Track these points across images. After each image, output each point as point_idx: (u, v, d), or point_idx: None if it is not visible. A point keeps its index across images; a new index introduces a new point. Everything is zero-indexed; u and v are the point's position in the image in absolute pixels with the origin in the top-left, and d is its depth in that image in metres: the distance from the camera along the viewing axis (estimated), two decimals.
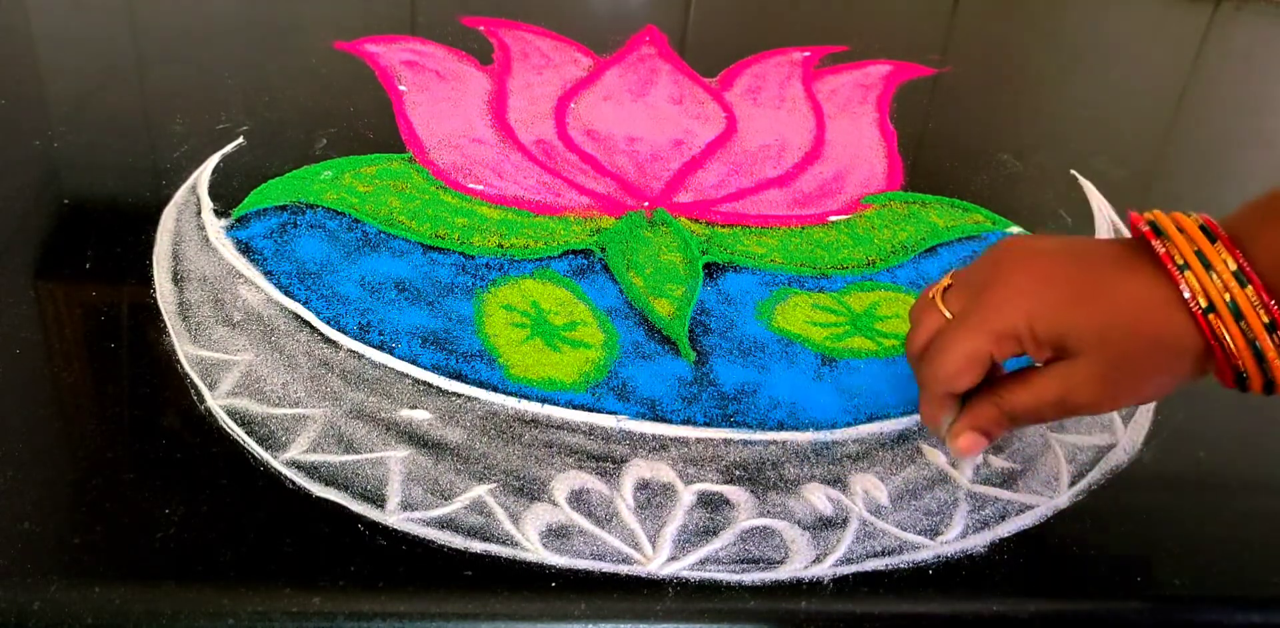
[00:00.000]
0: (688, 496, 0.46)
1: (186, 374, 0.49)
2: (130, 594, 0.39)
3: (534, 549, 0.43)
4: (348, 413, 0.48)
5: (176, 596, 0.39)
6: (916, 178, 0.69)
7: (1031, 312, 0.41)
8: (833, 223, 0.64)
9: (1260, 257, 0.39)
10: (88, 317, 0.51)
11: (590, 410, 0.49)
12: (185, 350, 0.50)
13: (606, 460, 0.47)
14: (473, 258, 0.57)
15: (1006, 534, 0.46)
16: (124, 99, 0.69)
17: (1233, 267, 0.39)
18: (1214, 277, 0.39)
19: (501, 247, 0.58)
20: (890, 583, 0.43)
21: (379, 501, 0.44)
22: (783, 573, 0.43)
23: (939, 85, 0.82)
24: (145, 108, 0.69)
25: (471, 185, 0.63)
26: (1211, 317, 0.39)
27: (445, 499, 0.44)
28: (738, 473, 0.47)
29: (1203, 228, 0.40)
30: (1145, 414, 0.52)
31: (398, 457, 0.46)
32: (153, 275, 0.54)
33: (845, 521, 0.45)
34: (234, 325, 0.51)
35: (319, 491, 0.44)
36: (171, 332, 0.51)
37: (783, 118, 0.74)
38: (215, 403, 0.47)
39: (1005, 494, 0.47)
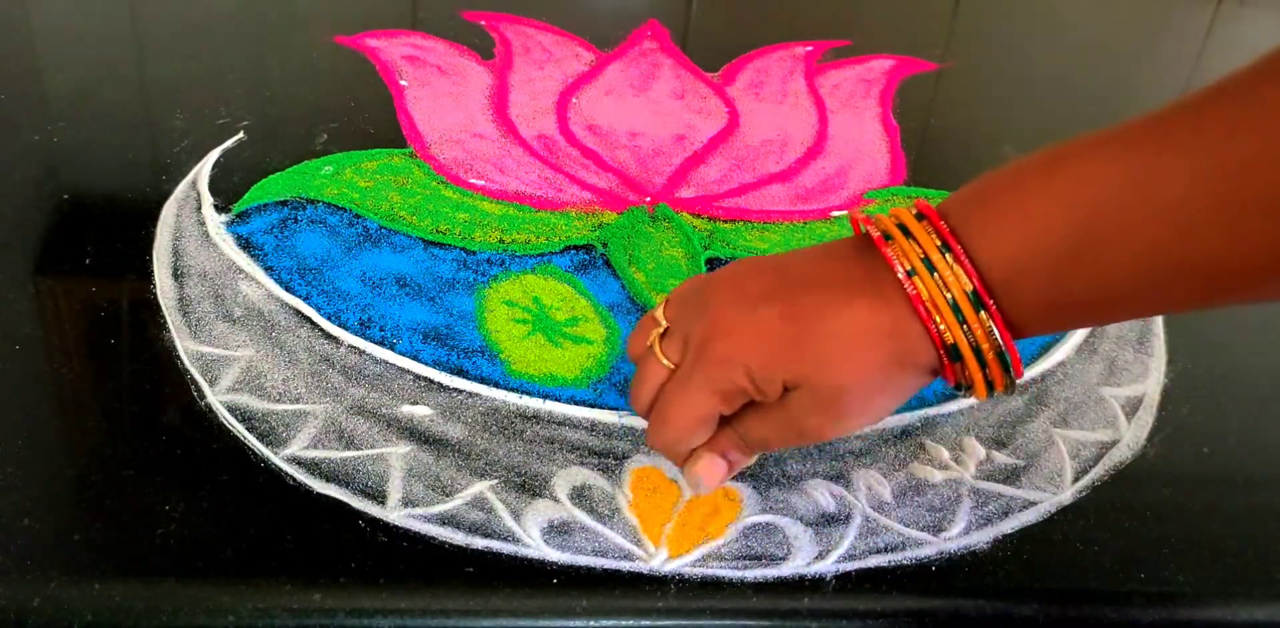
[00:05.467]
0: (690, 492, 0.46)
1: (187, 370, 0.48)
2: (130, 591, 0.39)
3: (535, 546, 0.42)
4: (349, 409, 0.47)
5: (177, 592, 0.39)
6: (919, 173, 0.69)
7: (749, 365, 0.40)
8: (835, 218, 0.64)
9: (979, 249, 0.38)
10: (87, 312, 0.51)
11: (592, 406, 0.49)
12: (185, 346, 0.50)
13: (608, 456, 0.47)
14: (474, 253, 0.57)
15: (1010, 531, 0.46)
16: (124, 94, 0.69)
17: (965, 282, 0.38)
18: (939, 279, 0.38)
19: (503, 242, 0.58)
20: (893, 580, 0.43)
21: (380, 497, 0.44)
22: (785, 570, 0.43)
23: (942, 80, 0.82)
24: (145, 102, 0.69)
25: (473, 180, 0.63)
26: (942, 326, 0.38)
27: (446, 496, 0.44)
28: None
29: (919, 217, 0.39)
30: (1149, 410, 0.52)
31: (399, 453, 0.46)
32: (153, 271, 0.54)
33: (848, 517, 0.45)
34: (234, 321, 0.51)
35: (320, 487, 0.44)
36: (172, 327, 0.51)
37: (785, 113, 0.74)
38: (215, 399, 0.47)
39: (1008, 491, 0.47)
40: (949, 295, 0.38)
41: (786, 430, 0.41)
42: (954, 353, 0.39)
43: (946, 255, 0.38)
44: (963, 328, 0.38)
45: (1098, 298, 0.37)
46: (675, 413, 0.42)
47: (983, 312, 0.38)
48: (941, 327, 0.38)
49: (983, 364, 0.39)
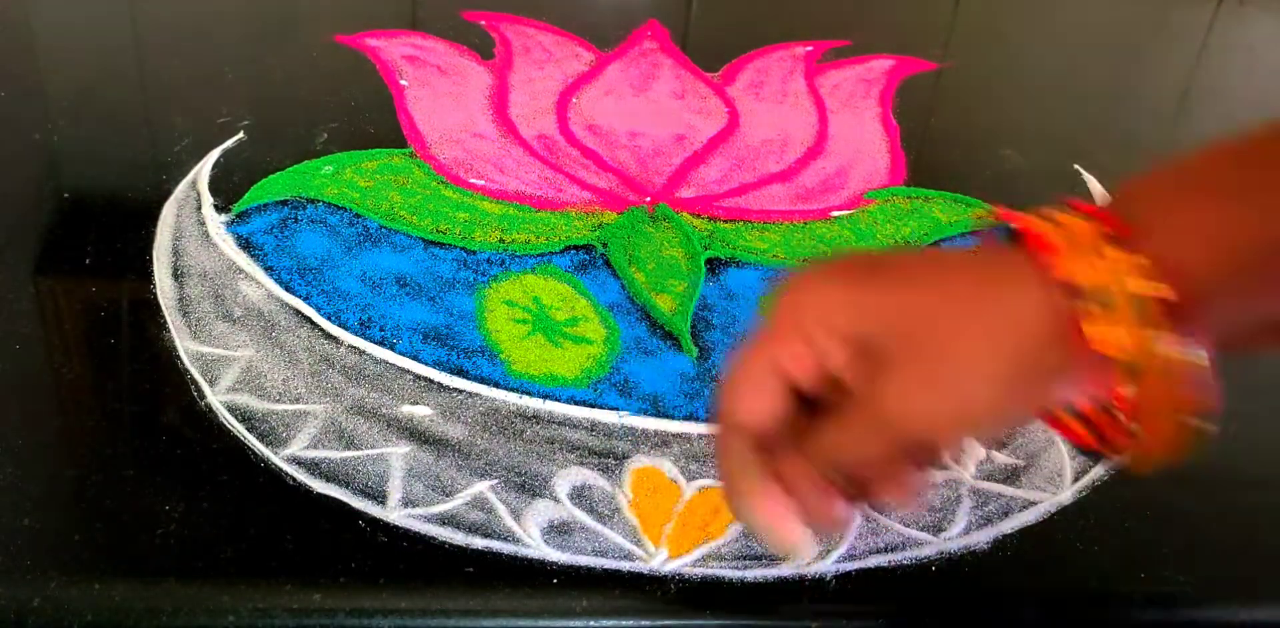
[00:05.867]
0: (690, 492, 0.46)
1: (187, 370, 0.48)
2: (130, 591, 0.39)
3: (535, 546, 0.42)
4: (349, 409, 0.47)
5: (177, 592, 0.39)
6: (919, 173, 0.69)
7: (833, 300, 0.31)
8: (835, 218, 0.64)
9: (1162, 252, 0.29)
10: (88, 312, 0.51)
11: (592, 406, 0.49)
12: (185, 346, 0.50)
13: (608, 457, 0.47)
14: (474, 253, 0.57)
15: (1010, 531, 0.45)
16: (124, 93, 0.69)
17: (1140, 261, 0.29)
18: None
19: (503, 242, 0.58)
20: (893, 580, 0.43)
21: (380, 497, 0.44)
22: (785, 570, 0.43)
23: (942, 80, 0.82)
24: (145, 102, 0.69)
25: (473, 180, 0.63)
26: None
27: (446, 495, 0.44)
28: None
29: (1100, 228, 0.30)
30: None
31: (399, 453, 0.46)
32: (153, 271, 0.54)
33: None
34: (234, 321, 0.51)
35: (320, 487, 0.44)
36: (172, 327, 0.50)
37: (785, 113, 0.74)
38: (216, 399, 0.47)
39: (1008, 491, 0.47)
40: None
41: (861, 418, 0.31)
42: (1077, 291, 0.30)
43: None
44: (1091, 261, 0.30)
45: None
46: (732, 371, 0.32)
47: (1115, 248, 0.30)
48: (1059, 262, 0.30)
49: (1115, 306, 0.29)
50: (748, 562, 0.43)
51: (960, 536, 0.45)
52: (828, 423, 0.31)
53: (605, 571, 0.42)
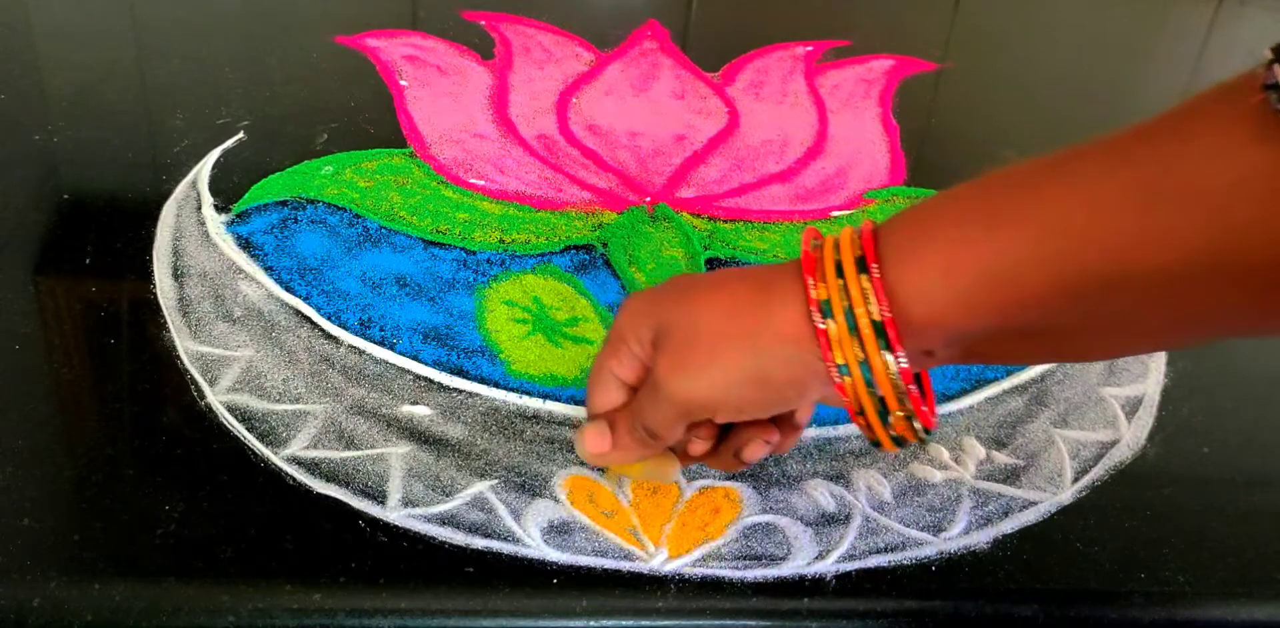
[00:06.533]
0: (690, 492, 0.46)
1: (187, 370, 0.48)
2: (130, 591, 0.39)
3: (535, 546, 0.42)
4: (349, 409, 0.47)
5: (176, 592, 0.39)
6: (919, 173, 0.69)
7: (634, 308, 0.40)
8: (835, 218, 0.64)
9: (899, 285, 0.35)
10: (88, 312, 0.51)
11: None
12: (185, 346, 0.50)
13: None
14: (474, 253, 0.57)
15: (1010, 531, 0.46)
16: (124, 94, 0.69)
17: (875, 315, 0.35)
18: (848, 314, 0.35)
19: (503, 242, 0.58)
20: (893, 580, 0.43)
21: (380, 497, 0.44)
22: (785, 570, 0.43)
23: (942, 80, 0.82)
24: (145, 102, 0.69)
25: (473, 180, 0.63)
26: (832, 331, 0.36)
27: (446, 496, 0.44)
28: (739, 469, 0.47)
29: (858, 261, 0.36)
30: (1149, 410, 0.52)
31: (399, 453, 0.46)
32: (153, 271, 0.54)
33: (848, 517, 0.45)
34: (234, 321, 0.51)
35: (320, 487, 0.44)
36: (172, 327, 0.51)
37: (785, 113, 0.74)
38: (216, 399, 0.47)
39: (1008, 490, 0.47)
40: (837, 258, 0.36)
41: (650, 389, 0.39)
42: (825, 308, 0.35)
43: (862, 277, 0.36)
44: (839, 284, 0.35)
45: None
46: (590, 379, 0.43)
47: (863, 274, 0.35)
48: (811, 281, 0.36)
49: (853, 328, 0.35)
50: (748, 562, 0.43)
51: (960, 536, 0.45)
52: (639, 393, 0.41)
53: (605, 571, 0.42)
